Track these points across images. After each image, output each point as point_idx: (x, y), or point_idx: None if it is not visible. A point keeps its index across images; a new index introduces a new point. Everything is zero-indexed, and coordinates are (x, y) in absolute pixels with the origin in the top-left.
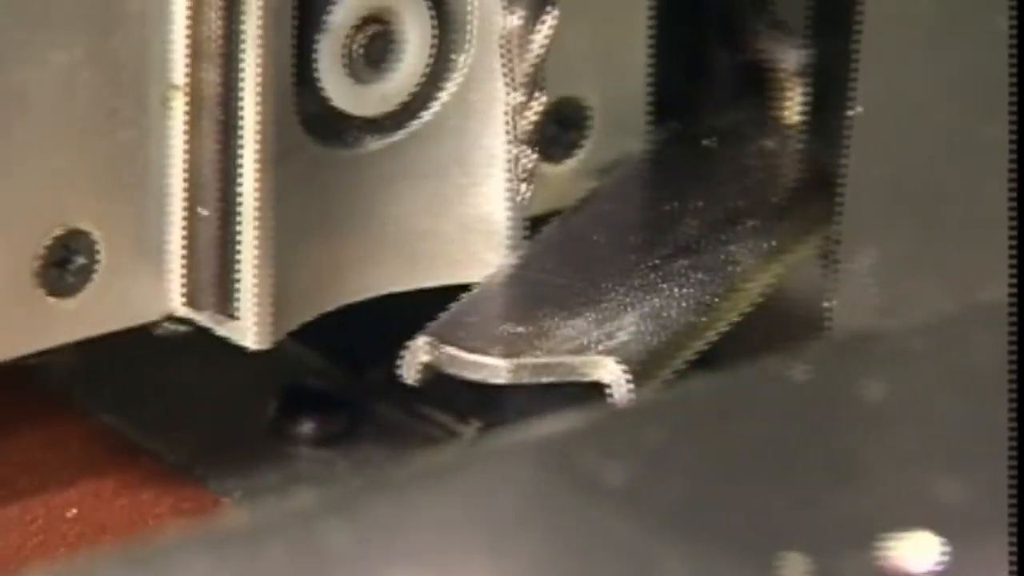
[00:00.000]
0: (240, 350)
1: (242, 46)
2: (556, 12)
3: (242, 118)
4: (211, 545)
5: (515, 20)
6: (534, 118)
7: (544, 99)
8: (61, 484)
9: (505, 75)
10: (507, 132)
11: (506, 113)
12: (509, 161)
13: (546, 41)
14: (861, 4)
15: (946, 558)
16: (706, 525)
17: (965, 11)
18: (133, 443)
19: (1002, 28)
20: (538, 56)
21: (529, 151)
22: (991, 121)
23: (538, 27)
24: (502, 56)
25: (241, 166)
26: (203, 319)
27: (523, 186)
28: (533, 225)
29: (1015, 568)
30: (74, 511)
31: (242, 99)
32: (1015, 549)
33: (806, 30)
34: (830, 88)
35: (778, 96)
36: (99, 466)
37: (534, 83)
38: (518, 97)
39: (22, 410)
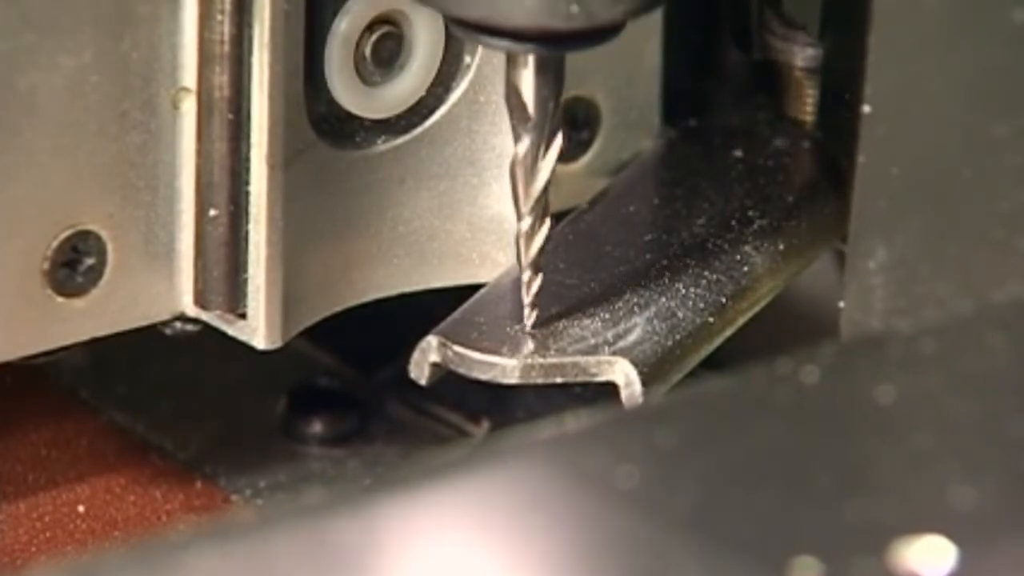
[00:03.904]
0: (251, 349)
1: (252, 48)
2: (561, 138)
3: (252, 120)
4: (221, 542)
5: (522, 148)
6: (541, 243)
7: (549, 225)
8: (70, 481)
9: (514, 202)
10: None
11: (516, 238)
12: (521, 285)
13: (552, 167)
14: (873, 0)
15: (959, 563)
16: (717, 527)
17: (979, 5)
18: (143, 440)
19: (1018, 21)
20: (545, 183)
21: (538, 276)
22: (1006, 117)
23: (545, 154)
24: (511, 184)
25: (250, 167)
26: (212, 319)
27: (531, 311)
28: None
29: None
30: (83, 507)
31: (252, 101)
32: None
33: (818, 27)
34: (842, 86)
35: (790, 94)
36: (109, 463)
37: (542, 209)
38: (527, 223)
39: (32, 407)
